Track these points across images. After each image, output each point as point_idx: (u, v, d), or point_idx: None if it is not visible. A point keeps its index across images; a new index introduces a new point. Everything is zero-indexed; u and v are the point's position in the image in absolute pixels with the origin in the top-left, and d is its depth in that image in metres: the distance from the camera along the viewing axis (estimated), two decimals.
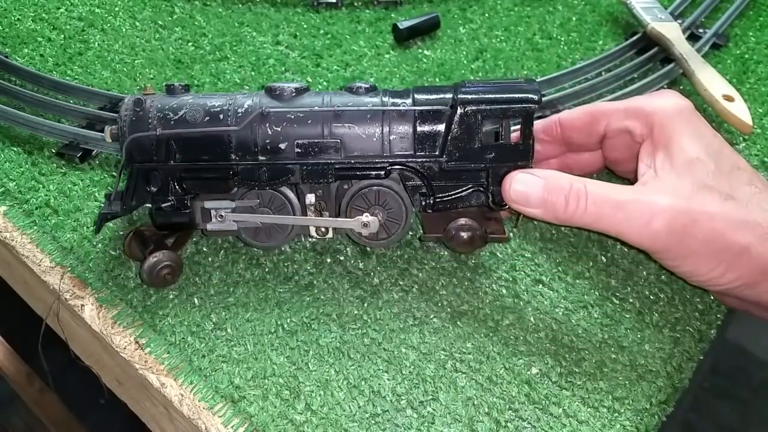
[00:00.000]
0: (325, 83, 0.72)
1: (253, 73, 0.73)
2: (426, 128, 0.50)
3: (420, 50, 0.77)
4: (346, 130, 0.50)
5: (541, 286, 0.55)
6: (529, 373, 0.50)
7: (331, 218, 0.53)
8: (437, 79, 0.73)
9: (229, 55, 0.75)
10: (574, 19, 0.83)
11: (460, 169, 0.51)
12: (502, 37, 0.79)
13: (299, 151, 0.50)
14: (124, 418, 0.62)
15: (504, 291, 0.54)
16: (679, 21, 0.78)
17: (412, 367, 0.50)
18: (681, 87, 0.73)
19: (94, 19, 0.79)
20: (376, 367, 0.50)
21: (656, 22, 0.75)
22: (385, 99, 0.51)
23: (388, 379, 0.49)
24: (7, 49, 0.74)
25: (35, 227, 0.57)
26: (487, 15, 0.83)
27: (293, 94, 0.51)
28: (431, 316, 0.52)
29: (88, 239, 0.56)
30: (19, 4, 0.80)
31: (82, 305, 0.53)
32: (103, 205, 0.53)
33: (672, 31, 0.74)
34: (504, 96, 0.49)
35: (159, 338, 0.51)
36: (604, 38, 0.80)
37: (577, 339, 0.51)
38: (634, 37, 0.77)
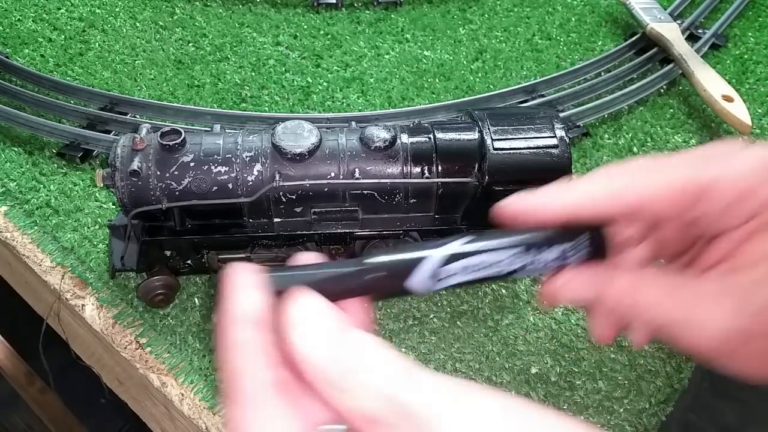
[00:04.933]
0: (325, 83, 0.72)
1: (253, 73, 0.73)
2: (448, 198, 0.48)
3: (420, 50, 0.77)
4: (364, 196, 0.47)
5: (540, 285, 0.55)
6: (528, 372, 0.50)
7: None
8: (437, 80, 0.73)
9: (229, 56, 0.75)
10: (573, 19, 0.83)
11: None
12: (502, 38, 0.79)
13: (315, 217, 0.48)
14: (124, 417, 0.63)
15: (503, 291, 0.54)
16: (679, 21, 0.78)
17: None
18: (680, 87, 0.73)
19: (94, 20, 0.79)
20: None
21: (655, 23, 0.75)
22: (404, 139, 0.47)
23: None
24: (7, 50, 0.74)
25: (36, 227, 0.57)
26: (486, 16, 0.83)
27: (306, 157, 0.46)
28: (431, 316, 0.52)
29: (89, 239, 0.56)
30: (19, 4, 0.80)
31: (83, 305, 0.53)
32: (113, 249, 0.52)
33: (671, 32, 0.74)
34: (533, 175, 0.45)
35: (160, 338, 0.51)
36: (604, 39, 0.80)
37: (576, 339, 0.52)
38: (634, 38, 0.77)
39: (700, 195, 0.34)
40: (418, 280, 0.30)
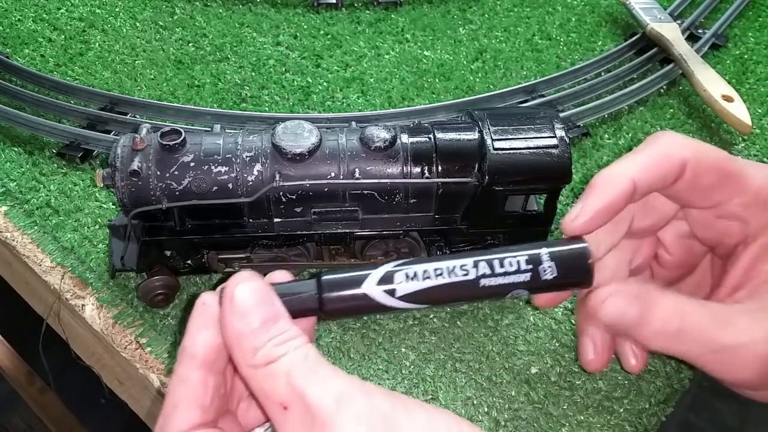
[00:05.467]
0: (325, 83, 0.72)
1: (253, 73, 0.73)
2: (448, 198, 0.48)
3: (420, 50, 0.77)
4: (364, 196, 0.47)
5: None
6: (528, 372, 0.50)
7: (347, 262, 0.52)
8: (437, 80, 0.73)
9: (229, 56, 0.75)
10: (573, 19, 0.83)
11: (479, 232, 0.50)
12: (502, 38, 0.79)
13: (315, 217, 0.48)
14: (124, 417, 0.62)
15: None
16: (679, 21, 0.78)
17: (412, 366, 0.50)
18: (680, 87, 0.73)
19: (94, 20, 0.79)
20: (376, 367, 0.50)
21: (655, 23, 0.75)
22: (404, 139, 0.47)
23: (388, 379, 0.49)
24: (7, 50, 0.74)
25: (36, 227, 0.57)
26: (486, 16, 0.83)
27: (306, 157, 0.46)
28: (431, 316, 0.52)
29: (89, 239, 0.56)
30: (19, 4, 0.80)
31: (83, 305, 0.53)
32: (113, 249, 0.52)
33: (671, 32, 0.74)
34: (533, 174, 0.45)
35: (160, 338, 0.51)
36: (604, 39, 0.80)
37: (576, 339, 0.51)
38: (634, 38, 0.77)
39: (731, 176, 0.37)
40: (369, 285, 0.33)
